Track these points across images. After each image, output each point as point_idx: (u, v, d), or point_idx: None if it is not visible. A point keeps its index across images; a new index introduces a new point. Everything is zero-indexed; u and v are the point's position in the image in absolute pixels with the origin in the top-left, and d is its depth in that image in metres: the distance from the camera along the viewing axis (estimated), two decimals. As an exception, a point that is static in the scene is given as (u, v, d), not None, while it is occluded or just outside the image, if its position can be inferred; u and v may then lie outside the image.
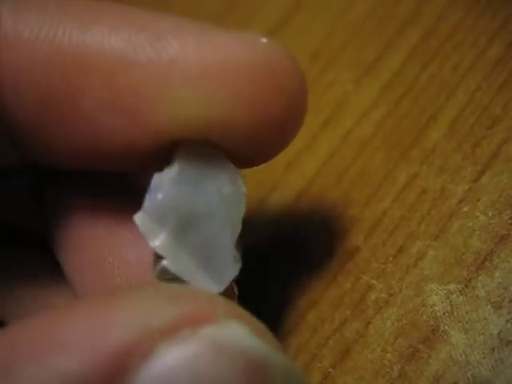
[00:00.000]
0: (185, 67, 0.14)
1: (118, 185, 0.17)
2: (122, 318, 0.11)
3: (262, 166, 0.20)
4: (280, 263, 0.18)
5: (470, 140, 0.18)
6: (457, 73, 0.20)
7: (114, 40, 0.14)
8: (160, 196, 0.14)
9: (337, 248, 0.18)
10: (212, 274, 0.14)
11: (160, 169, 0.15)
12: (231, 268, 0.15)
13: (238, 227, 0.15)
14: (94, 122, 0.15)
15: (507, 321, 0.15)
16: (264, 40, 0.14)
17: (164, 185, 0.14)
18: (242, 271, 0.15)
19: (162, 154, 0.15)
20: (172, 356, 0.11)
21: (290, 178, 0.20)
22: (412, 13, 0.21)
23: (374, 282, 0.17)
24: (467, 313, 0.16)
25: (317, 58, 0.22)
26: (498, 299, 0.16)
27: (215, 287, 0.15)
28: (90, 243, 0.16)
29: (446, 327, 0.16)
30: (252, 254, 0.17)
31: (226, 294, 0.15)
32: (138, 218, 0.14)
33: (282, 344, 0.17)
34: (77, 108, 0.14)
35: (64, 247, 0.17)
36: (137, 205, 0.15)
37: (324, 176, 0.20)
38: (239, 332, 0.12)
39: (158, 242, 0.14)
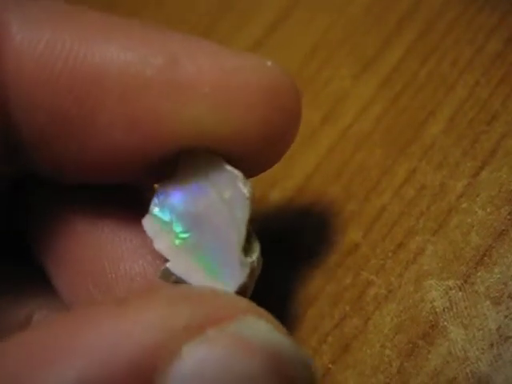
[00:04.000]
0: (200, 88, 0.15)
1: (115, 192, 0.17)
2: (147, 319, 0.12)
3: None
4: (279, 259, 0.18)
5: (469, 135, 0.18)
6: (455, 68, 0.20)
7: (130, 59, 0.14)
8: (166, 201, 0.15)
9: (336, 244, 0.18)
10: (215, 277, 0.15)
11: (163, 174, 0.16)
12: (236, 272, 0.15)
13: (243, 231, 0.15)
14: (107, 139, 0.15)
15: (506, 316, 0.15)
16: (269, 63, 0.15)
17: (169, 190, 0.15)
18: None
19: (167, 162, 0.15)
20: (200, 354, 0.12)
21: (290, 173, 0.20)
22: (410, 8, 0.21)
23: (373, 277, 0.17)
24: (466, 308, 0.16)
25: (315, 54, 0.22)
26: (497, 295, 0.16)
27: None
28: (88, 254, 0.16)
29: (445, 323, 0.16)
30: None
31: None
32: (145, 221, 0.15)
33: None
34: (91, 125, 0.15)
35: (55, 257, 0.17)
36: (137, 213, 0.16)
37: (323, 171, 0.20)
38: (262, 328, 0.12)
39: (161, 244, 0.15)
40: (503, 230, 0.16)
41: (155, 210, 0.15)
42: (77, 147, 0.15)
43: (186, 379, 0.11)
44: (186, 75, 0.15)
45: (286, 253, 0.19)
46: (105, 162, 0.15)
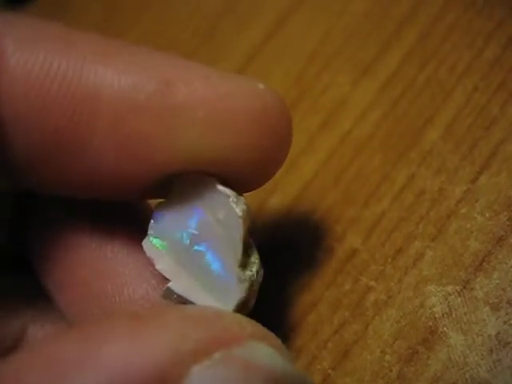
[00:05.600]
0: (193, 113, 0.15)
1: (116, 209, 0.17)
2: (155, 340, 0.12)
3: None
4: (279, 265, 0.19)
5: (468, 141, 0.18)
6: (454, 74, 0.20)
7: (124, 83, 0.15)
8: (162, 223, 0.16)
9: (335, 249, 0.18)
10: (215, 294, 0.15)
11: (159, 195, 0.16)
12: (235, 288, 0.15)
13: (239, 247, 0.15)
14: (99, 161, 0.15)
15: (505, 322, 0.15)
16: (261, 86, 0.16)
17: (165, 213, 0.16)
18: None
19: (163, 184, 0.16)
20: (207, 376, 0.12)
21: (289, 179, 0.20)
22: (408, 13, 0.21)
23: (372, 283, 0.17)
24: (465, 314, 0.16)
25: (314, 60, 0.22)
26: (496, 300, 0.16)
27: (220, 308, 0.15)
28: (91, 276, 0.16)
29: (445, 328, 0.16)
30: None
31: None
32: (145, 243, 0.16)
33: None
34: (84, 148, 0.15)
35: (56, 276, 0.17)
36: (139, 230, 0.16)
37: (322, 177, 0.20)
38: (267, 352, 0.13)
39: (162, 264, 0.15)
40: (502, 236, 0.16)
41: (151, 233, 0.16)
42: (70, 167, 0.15)
43: None
44: (178, 100, 0.15)
45: (286, 259, 0.19)
46: (97, 181, 0.15)
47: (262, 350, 0.13)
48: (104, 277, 0.16)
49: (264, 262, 0.16)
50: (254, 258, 0.16)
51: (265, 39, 0.24)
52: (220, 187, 0.15)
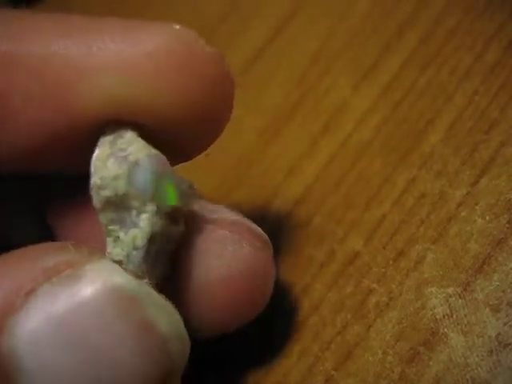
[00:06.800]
0: (106, 58, 0.15)
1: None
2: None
3: (262, 171, 0.21)
4: (281, 268, 0.19)
5: (468, 144, 0.18)
6: (454, 77, 0.20)
7: (41, 42, 0.15)
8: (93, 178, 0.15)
9: (337, 252, 0.19)
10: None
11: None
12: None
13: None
14: (23, 119, 0.15)
15: (505, 323, 0.16)
16: (177, 27, 0.15)
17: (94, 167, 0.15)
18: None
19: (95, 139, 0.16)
20: (53, 293, 0.13)
21: (291, 183, 0.20)
22: (409, 16, 0.22)
23: (374, 285, 0.18)
24: (466, 316, 0.16)
25: (315, 63, 0.22)
26: (496, 302, 0.16)
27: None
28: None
29: (446, 330, 0.16)
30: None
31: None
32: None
33: (285, 348, 0.18)
34: (4, 107, 0.15)
35: None
36: None
37: (324, 181, 0.20)
38: (110, 270, 0.13)
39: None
40: (502, 238, 0.17)
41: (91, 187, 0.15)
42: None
43: (41, 317, 0.13)
44: (93, 48, 0.15)
45: (288, 262, 0.19)
46: (27, 144, 0.15)
47: (107, 267, 0.13)
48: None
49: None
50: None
51: (266, 41, 0.24)
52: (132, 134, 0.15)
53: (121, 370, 0.13)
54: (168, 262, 0.15)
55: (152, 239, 0.15)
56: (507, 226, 0.17)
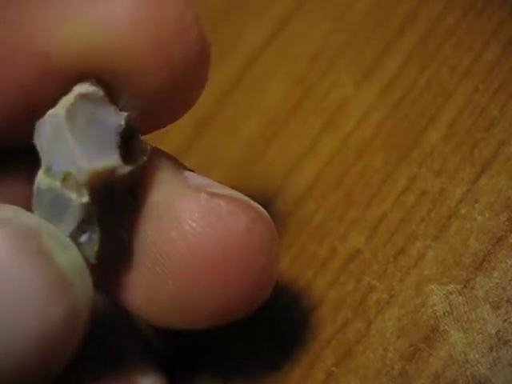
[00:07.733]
0: (82, 9, 0.14)
1: None
2: None
3: (264, 170, 0.21)
4: (282, 265, 0.19)
5: (468, 142, 0.18)
6: (454, 75, 0.20)
7: None
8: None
9: (338, 249, 0.19)
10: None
11: None
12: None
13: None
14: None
15: (505, 320, 0.16)
16: None
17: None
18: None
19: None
20: None
21: (292, 181, 0.20)
22: (409, 16, 0.22)
23: (375, 282, 0.18)
24: (466, 313, 0.16)
25: (316, 62, 0.22)
26: (496, 299, 0.16)
27: None
28: None
29: (446, 327, 0.16)
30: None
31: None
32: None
33: (286, 346, 0.18)
34: None
35: None
36: None
37: (324, 179, 0.20)
38: (8, 210, 0.14)
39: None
40: (502, 236, 0.17)
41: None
42: None
43: None
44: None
45: (289, 259, 0.19)
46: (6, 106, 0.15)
47: (5, 209, 0.13)
48: None
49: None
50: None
51: (267, 41, 0.24)
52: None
53: (21, 306, 0.12)
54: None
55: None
56: (507, 223, 0.17)
